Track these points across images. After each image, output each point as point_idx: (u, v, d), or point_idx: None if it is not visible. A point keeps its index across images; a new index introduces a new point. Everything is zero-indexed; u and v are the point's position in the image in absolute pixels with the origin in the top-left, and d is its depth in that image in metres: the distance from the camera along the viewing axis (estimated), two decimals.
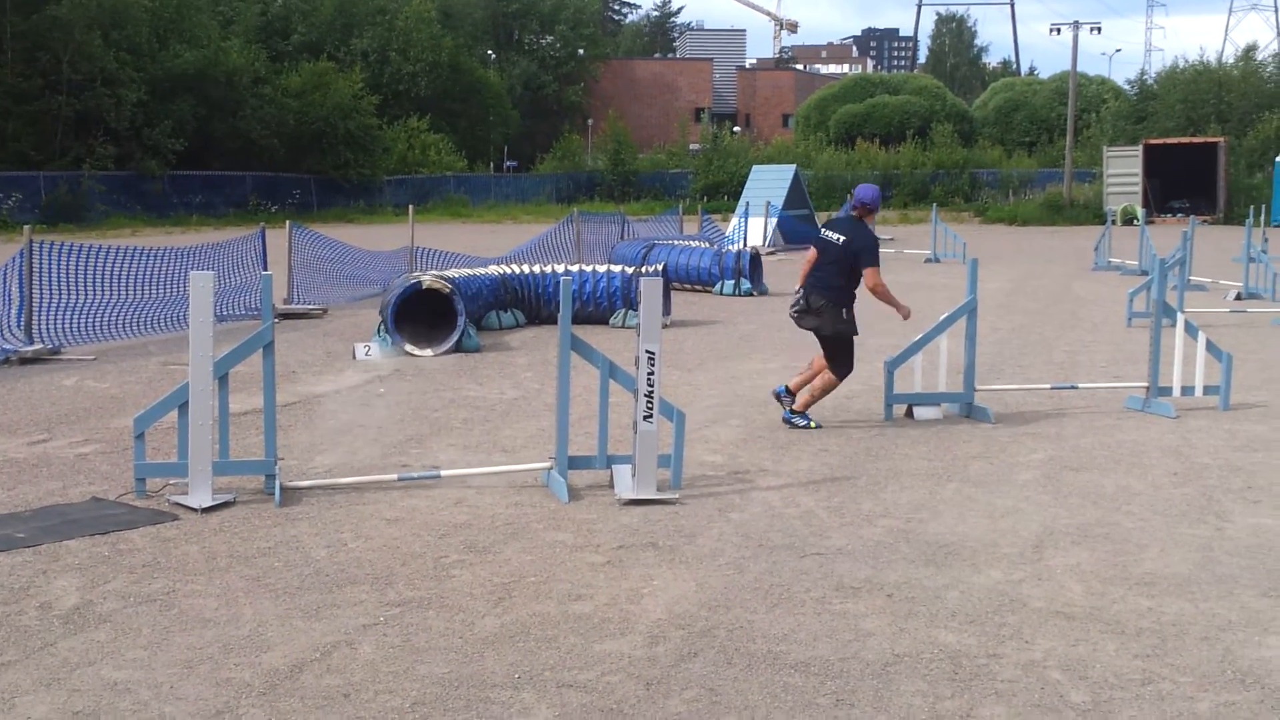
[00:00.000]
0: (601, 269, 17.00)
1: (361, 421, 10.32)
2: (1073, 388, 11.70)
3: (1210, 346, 11.00)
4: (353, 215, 51.04)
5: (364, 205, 54.27)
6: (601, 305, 16.56)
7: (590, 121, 76.24)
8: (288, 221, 19.82)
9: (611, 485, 8.05)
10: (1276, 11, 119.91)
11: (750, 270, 21.22)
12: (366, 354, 13.70)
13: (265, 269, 17.30)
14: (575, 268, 17.45)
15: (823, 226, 10.77)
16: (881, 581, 6.35)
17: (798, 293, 10.24)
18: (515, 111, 73.33)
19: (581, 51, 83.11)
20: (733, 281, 21.05)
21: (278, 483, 7.66)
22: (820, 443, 9.60)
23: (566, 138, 67.27)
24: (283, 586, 6.13)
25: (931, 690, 5.05)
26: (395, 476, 8.19)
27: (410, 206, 23.09)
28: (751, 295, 20.89)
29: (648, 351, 7.63)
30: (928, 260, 29.43)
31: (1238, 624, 5.80)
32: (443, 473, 8.26)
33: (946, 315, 10.69)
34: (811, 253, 10.30)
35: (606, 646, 5.45)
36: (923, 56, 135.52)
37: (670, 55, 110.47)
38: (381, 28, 64.35)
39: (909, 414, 10.56)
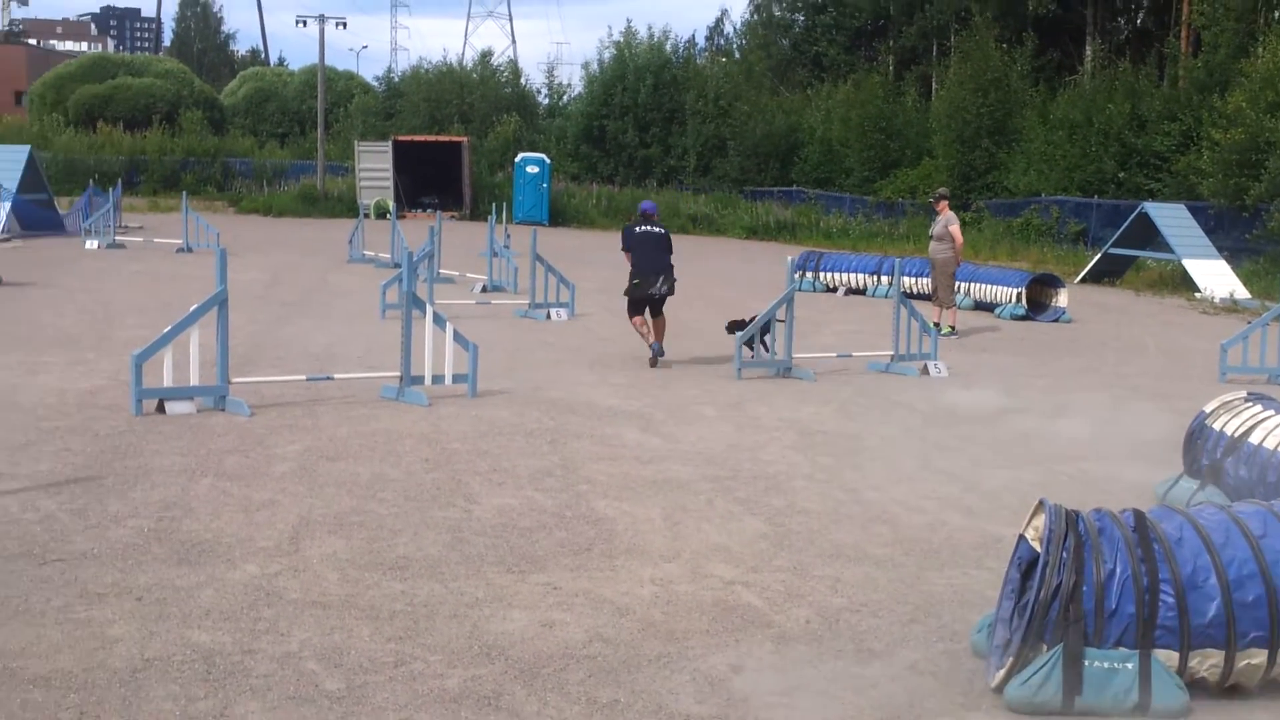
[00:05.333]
0: None
1: None
2: (329, 378, 11.77)
3: (458, 337, 11.48)
4: None
5: None
6: None
7: None
8: None
9: None
10: (510, 20, 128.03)
11: None
12: None
13: None
14: None
15: (637, 229, 14.04)
16: (130, 585, 6.02)
17: (646, 277, 13.76)
18: None
19: None
20: None
21: None
22: (62, 442, 8.98)
23: None
24: None
25: (184, 692, 4.85)
26: None
27: None
28: None
29: None
30: (180, 250, 28.58)
31: (484, 600, 6.07)
32: None
33: (197, 306, 10.37)
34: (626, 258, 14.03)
35: None
36: (167, 39, 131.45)
37: None
38: None
39: (160, 409, 10.14)
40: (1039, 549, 5.16)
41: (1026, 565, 5.33)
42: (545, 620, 5.84)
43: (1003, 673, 5.12)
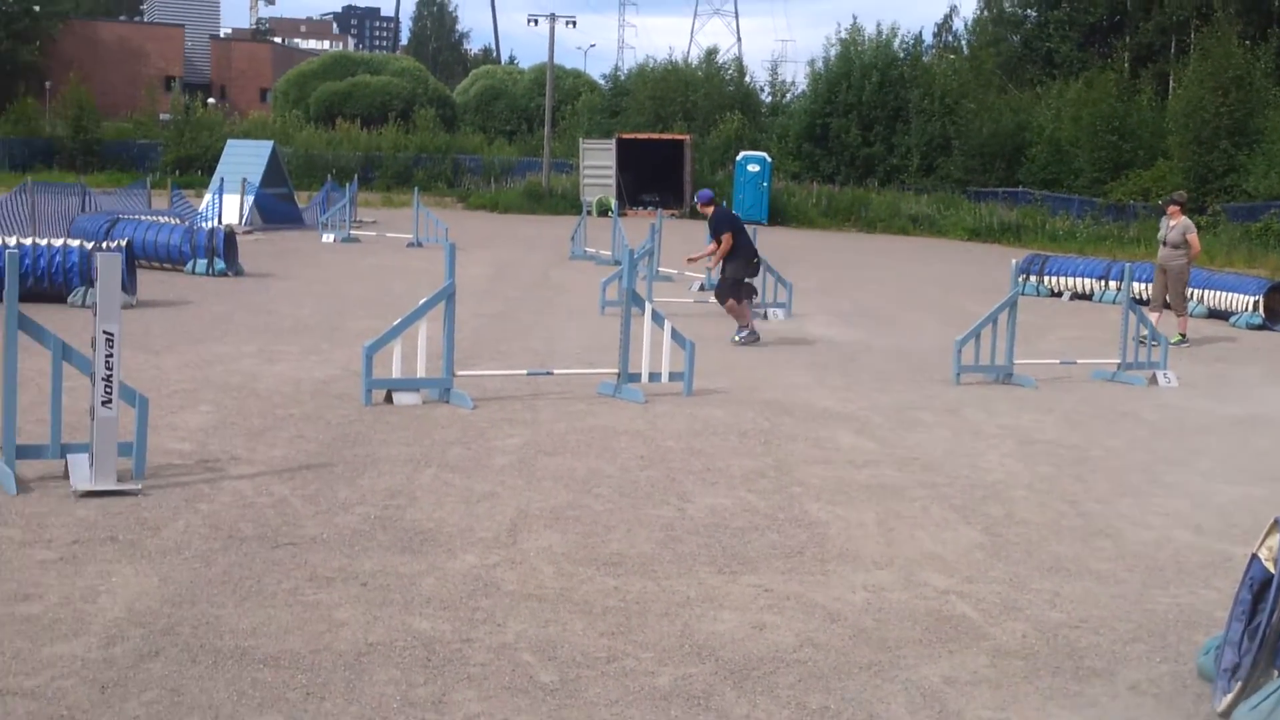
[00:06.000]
0: (58, 243, 15.89)
1: None
2: (548, 374, 12.00)
3: (675, 334, 11.57)
4: None
5: None
6: (57, 282, 15.48)
7: (49, 84, 70.73)
8: None
9: (67, 476, 7.49)
10: (736, 17, 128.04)
11: (224, 249, 20.46)
12: None
13: None
14: (28, 241, 16.19)
15: (736, 216, 15.62)
16: (356, 570, 6.24)
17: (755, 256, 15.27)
18: None
19: (37, 8, 76.88)
20: (205, 261, 20.22)
21: None
22: (296, 429, 9.35)
23: (21, 101, 62.09)
24: None
25: (404, 678, 5.00)
26: None
27: None
28: (226, 276, 20.15)
29: (105, 332, 7.14)
30: (410, 244, 29.47)
31: (695, 600, 6.10)
32: None
33: (425, 300, 10.68)
34: (728, 240, 14.95)
35: (57, 649, 5.05)
36: (405, 38, 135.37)
37: (138, 19, 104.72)
38: None
39: (388, 399, 10.48)
40: (1273, 570, 4.96)
41: (1259, 586, 5.13)
42: (756, 622, 5.85)
43: (1230, 698, 4.93)
